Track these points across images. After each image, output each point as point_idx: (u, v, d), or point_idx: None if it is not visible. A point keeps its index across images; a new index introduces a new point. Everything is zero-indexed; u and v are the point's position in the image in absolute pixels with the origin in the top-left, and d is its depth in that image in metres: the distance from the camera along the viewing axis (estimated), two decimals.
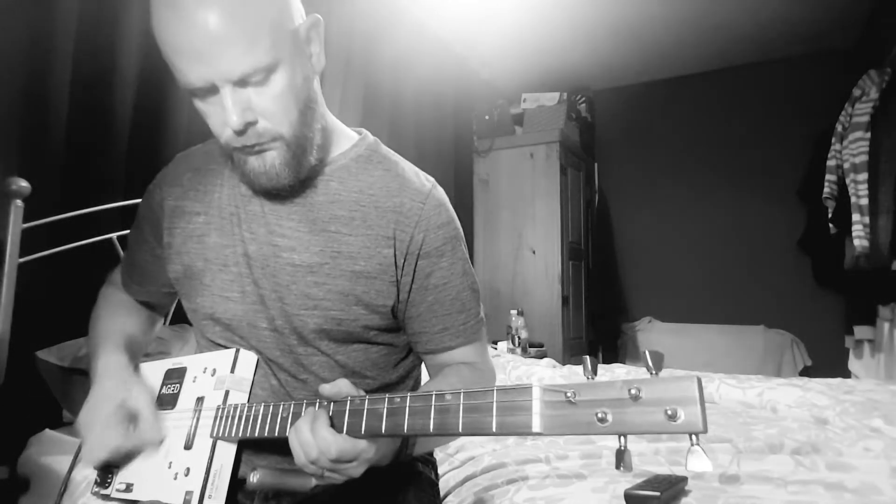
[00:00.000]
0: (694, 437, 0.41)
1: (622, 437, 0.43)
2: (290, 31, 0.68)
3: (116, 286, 0.96)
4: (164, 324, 1.57)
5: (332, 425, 0.60)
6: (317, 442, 0.59)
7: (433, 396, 0.54)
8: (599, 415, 0.42)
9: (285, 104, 0.68)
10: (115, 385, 0.77)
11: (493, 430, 0.48)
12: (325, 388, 0.62)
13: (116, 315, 0.91)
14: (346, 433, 0.59)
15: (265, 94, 0.67)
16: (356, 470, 0.61)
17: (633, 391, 0.42)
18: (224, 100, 0.65)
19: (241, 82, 0.65)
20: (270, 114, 0.68)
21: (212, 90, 0.66)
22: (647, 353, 0.44)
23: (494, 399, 0.48)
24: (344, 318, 0.76)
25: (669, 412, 0.40)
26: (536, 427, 0.45)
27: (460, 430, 0.50)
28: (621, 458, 0.43)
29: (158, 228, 0.85)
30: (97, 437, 0.74)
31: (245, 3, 0.63)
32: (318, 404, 0.62)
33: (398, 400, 0.56)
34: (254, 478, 0.64)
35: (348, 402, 0.60)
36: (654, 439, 1.22)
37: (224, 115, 0.66)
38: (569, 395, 0.44)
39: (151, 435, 0.76)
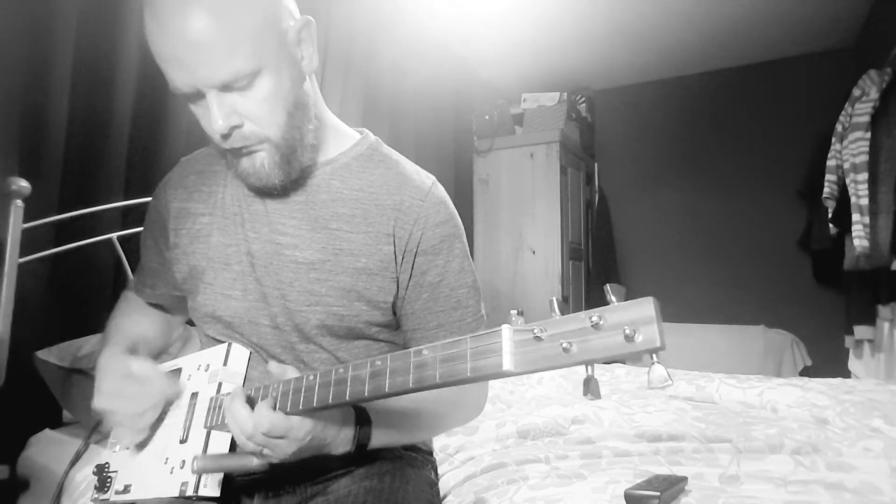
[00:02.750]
0: (654, 355, 0.42)
1: (589, 367, 0.45)
2: (276, 35, 0.68)
3: (132, 291, 0.97)
4: None
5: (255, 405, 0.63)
6: (255, 419, 0.62)
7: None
8: (564, 345, 0.44)
9: (271, 107, 0.69)
10: (114, 366, 0.78)
11: (468, 374, 0.49)
12: (273, 366, 0.66)
13: (127, 318, 0.92)
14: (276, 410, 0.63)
15: (250, 98, 0.68)
16: (289, 447, 0.63)
17: (594, 319, 0.43)
18: (209, 104, 0.66)
19: (225, 87, 0.66)
20: (256, 117, 0.69)
21: (198, 94, 0.67)
22: (608, 286, 0.46)
23: (468, 346, 0.49)
24: (346, 314, 0.77)
25: (628, 332, 0.41)
26: (507, 365, 0.46)
27: (438, 380, 0.51)
28: (588, 385, 0.45)
29: (165, 231, 0.86)
30: (127, 414, 0.75)
31: (225, 13, 0.63)
32: (305, 378, 0.64)
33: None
34: (194, 464, 0.65)
35: (280, 384, 0.64)
36: (654, 438, 1.22)
37: (209, 120, 0.67)
38: (536, 331, 0.45)
39: (172, 388, 0.78)
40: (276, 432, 0.62)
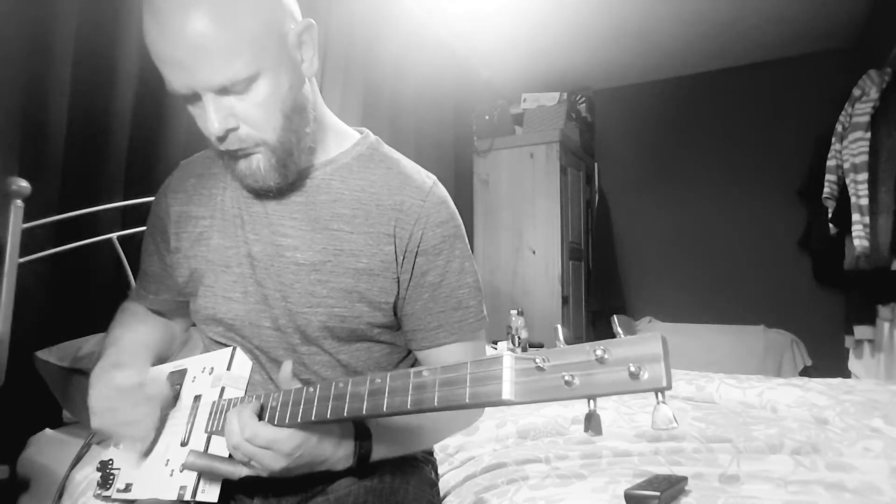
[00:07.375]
0: (659, 394, 0.40)
1: (592, 401, 0.43)
2: (276, 38, 0.68)
3: (131, 301, 0.96)
4: None
5: (267, 417, 0.64)
6: (240, 426, 0.63)
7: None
8: (566, 378, 0.42)
9: (268, 111, 0.69)
10: (99, 383, 0.77)
11: (467, 400, 0.48)
12: (284, 370, 0.66)
13: (124, 329, 0.90)
14: (268, 421, 0.63)
15: (247, 101, 0.67)
16: (275, 461, 0.63)
17: (598, 352, 0.42)
18: (206, 107, 0.66)
19: (223, 91, 0.66)
20: (253, 121, 0.68)
21: (195, 96, 0.67)
22: (615, 318, 0.44)
23: (468, 371, 0.48)
24: (347, 316, 0.76)
25: (633, 370, 0.40)
26: (507, 394, 0.45)
27: (436, 403, 0.50)
28: (589, 421, 0.43)
29: (166, 235, 0.86)
30: (122, 425, 0.75)
31: (226, 16, 0.63)
32: (305, 390, 0.63)
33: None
34: (186, 459, 0.67)
35: (280, 394, 0.64)
36: (654, 439, 1.22)
37: (205, 122, 0.67)
38: (538, 361, 0.44)
39: (159, 389, 0.77)
40: (258, 441, 0.62)
